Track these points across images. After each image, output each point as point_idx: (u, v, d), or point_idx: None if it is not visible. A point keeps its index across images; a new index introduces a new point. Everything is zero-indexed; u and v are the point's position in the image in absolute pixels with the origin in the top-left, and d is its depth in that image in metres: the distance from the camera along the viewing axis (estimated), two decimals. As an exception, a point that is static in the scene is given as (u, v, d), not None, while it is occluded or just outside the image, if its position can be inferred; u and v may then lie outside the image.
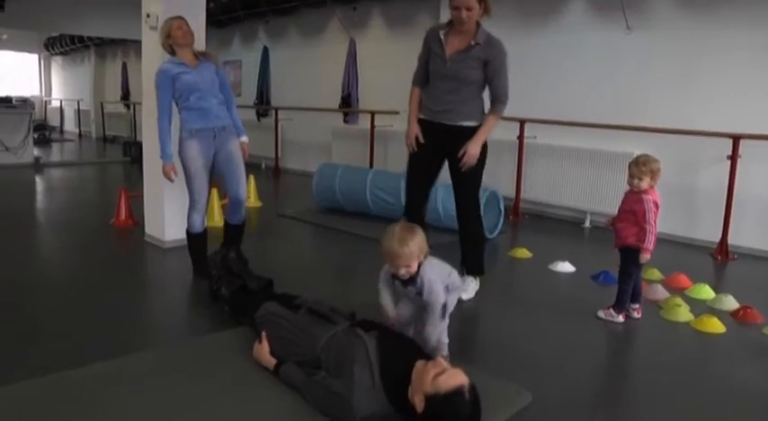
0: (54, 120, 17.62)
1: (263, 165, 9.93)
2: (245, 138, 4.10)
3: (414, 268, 2.56)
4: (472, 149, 3.54)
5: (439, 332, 2.70)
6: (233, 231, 4.18)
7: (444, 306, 2.68)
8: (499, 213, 5.37)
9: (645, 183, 3.35)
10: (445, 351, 2.74)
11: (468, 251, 3.85)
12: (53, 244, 5.19)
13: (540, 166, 6.34)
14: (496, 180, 6.41)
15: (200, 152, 3.83)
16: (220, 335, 3.07)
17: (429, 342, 2.66)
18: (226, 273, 3.72)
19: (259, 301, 3.00)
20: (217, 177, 4.08)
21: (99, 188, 8.70)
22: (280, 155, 9.65)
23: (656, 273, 4.33)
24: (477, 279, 3.87)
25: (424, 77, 3.72)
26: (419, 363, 2.19)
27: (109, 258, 4.65)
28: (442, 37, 3.59)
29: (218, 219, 5.54)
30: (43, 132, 13.65)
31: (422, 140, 3.70)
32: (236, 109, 4.10)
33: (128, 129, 14.01)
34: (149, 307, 3.70)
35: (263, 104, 10.26)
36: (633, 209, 3.37)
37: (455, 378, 2.08)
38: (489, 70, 3.59)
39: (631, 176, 3.38)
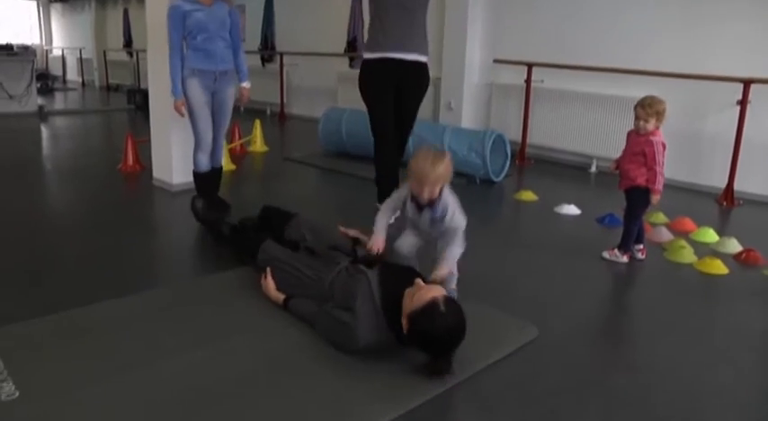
0: (56, 70, 17.46)
1: (269, 111, 9.88)
2: (246, 84, 4.08)
3: (436, 193, 2.58)
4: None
5: (456, 258, 2.70)
6: (213, 178, 4.19)
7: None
8: (506, 157, 5.38)
9: (651, 125, 3.33)
10: (453, 283, 2.80)
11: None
12: (62, 190, 5.22)
13: (546, 111, 6.29)
14: (503, 124, 6.41)
15: (201, 90, 3.83)
16: (227, 274, 3.13)
17: (447, 266, 2.66)
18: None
19: (257, 241, 3.02)
20: None
21: (104, 135, 8.69)
22: (285, 100, 9.60)
23: (660, 217, 4.35)
24: None
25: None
26: (407, 290, 2.27)
27: (118, 202, 4.71)
28: None
29: (225, 163, 5.57)
30: (46, 81, 13.56)
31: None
32: (243, 54, 4.06)
33: (131, 77, 13.90)
34: (158, 248, 3.75)
35: (267, 50, 10.14)
36: (642, 150, 3.37)
37: (429, 292, 2.18)
38: None
39: (637, 118, 3.37)
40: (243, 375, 2.22)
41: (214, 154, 4.10)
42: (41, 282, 3.08)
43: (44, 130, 8.45)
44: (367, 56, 3.98)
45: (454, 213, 2.63)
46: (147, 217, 4.22)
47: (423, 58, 3.98)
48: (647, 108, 3.32)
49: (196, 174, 4.06)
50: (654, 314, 2.89)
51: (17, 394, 2.10)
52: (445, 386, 2.18)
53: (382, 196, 4.15)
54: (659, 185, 3.35)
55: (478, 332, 2.57)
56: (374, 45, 3.94)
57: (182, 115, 3.87)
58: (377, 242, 2.76)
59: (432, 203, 2.62)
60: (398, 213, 2.91)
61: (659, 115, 3.32)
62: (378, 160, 4.14)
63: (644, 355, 2.51)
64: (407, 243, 2.84)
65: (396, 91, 3.99)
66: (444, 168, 2.55)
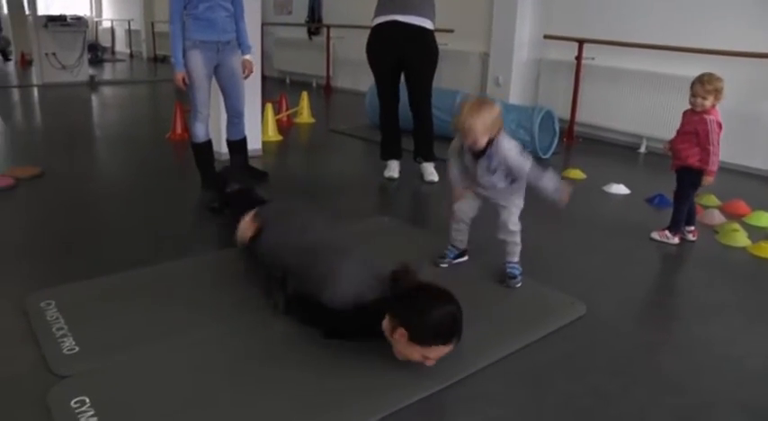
0: (105, 41, 17.72)
1: (314, 84, 9.89)
2: (249, 57, 4.05)
3: (481, 141, 2.55)
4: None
5: (550, 179, 2.64)
6: (236, 148, 4.25)
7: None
8: (554, 134, 5.31)
9: (708, 103, 3.24)
10: (516, 256, 2.81)
11: (424, 142, 4.47)
12: (113, 156, 5.35)
13: (597, 89, 6.16)
14: (552, 101, 6.30)
15: (203, 63, 3.80)
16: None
17: (548, 190, 2.63)
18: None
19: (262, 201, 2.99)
20: (220, 90, 4.08)
21: (152, 105, 8.83)
22: (331, 73, 9.60)
23: (712, 199, 4.24)
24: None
25: None
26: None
27: (167, 169, 4.81)
28: None
29: (272, 134, 5.67)
30: (95, 52, 13.77)
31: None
32: (245, 23, 3.99)
33: (178, 49, 14.01)
34: (206, 214, 3.82)
35: (314, 22, 10.13)
36: (696, 129, 3.28)
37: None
38: None
39: (694, 96, 3.27)
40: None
41: (237, 125, 4.14)
42: (97, 244, 3.17)
43: (95, 100, 8.63)
44: (373, 21, 4.19)
45: (509, 157, 2.58)
46: (196, 184, 4.27)
47: (427, 25, 4.14)
48: (706, 85, 3.22)
49: (193, 145, 4.08)
50: (705, 296, 2.84)
51: (77, 349, 2.17)
52: (490, 360, 2.18)
53: (382, 154, 4.63)
54: (713, 166, 3.25)
55: (527, 306, 2.59)
56: (380, 9, 4.16)
57: (182, 87, 3.85)
58: (455, 194, 2.86)
59: (485, 152, 2.60)
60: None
61: (717, 93, 3.22)
62: (381, 123, 4.59)
63: (693, 337, 2.47)
64: (467, 206, 2.86)
65: (402, 57, 4.15)
66: (484, 117, 2.51)
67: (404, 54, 4.17)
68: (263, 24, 9.25)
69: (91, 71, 10.18)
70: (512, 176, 2.66)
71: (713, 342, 2.41)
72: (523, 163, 2.60)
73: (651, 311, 2.75)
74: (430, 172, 4.48)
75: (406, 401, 1.93)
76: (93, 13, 19.21)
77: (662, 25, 5.65)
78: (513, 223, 2.75)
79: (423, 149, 4.51)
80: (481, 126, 2.51)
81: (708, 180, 3.29)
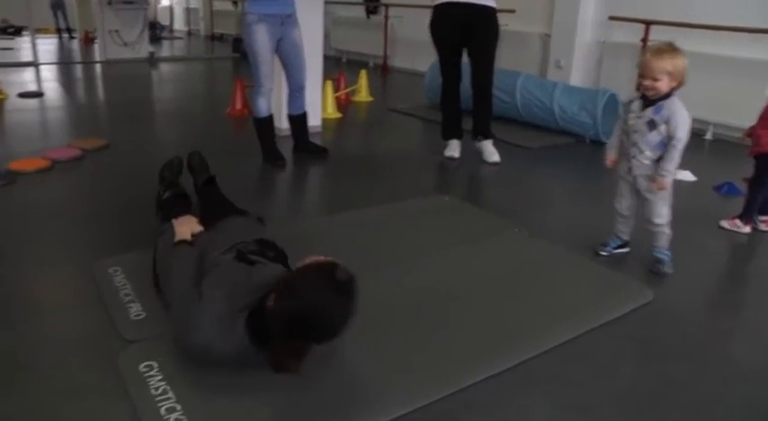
0: (164, 19, 17.99)
1: (371, 63, 9.84)
2: None
3: (660, 87, 2.49)
4: None
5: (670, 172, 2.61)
6: (296, 123, 4.30)
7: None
8: (617, 118, 5.15)
9: None
10: (665, 241, 2.77)
11: (484, 120, 4.42)
12: (175, 130, 5.46)
13: (662, 73, 5.96)
14: (614, 85, 6.11)
15: (268, 36, 3.84)
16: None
17: (663, 178, 2.60)
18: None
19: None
20: (281, 63, 4.13)
21: (210, 82, 8.94)
22: (388, 53, 9.54)
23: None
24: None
25: None
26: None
27: (227, 142, 4.90)
28: None
29: (331, 111, 5.69)
30: (154, 30, 13.99)
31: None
32: None
33: (236, 27, 14.14)
34: (266, 187, 3.85)
35: (372, 1, 10.06)
36: None
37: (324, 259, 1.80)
38: None
39: None
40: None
41: (298, 99, 4.21)
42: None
43: (154, 76, 8.79)
44: (435, 0, 4.21)
45: (677, 119, 2.51)
46: (257, 157, 4.31)
47: (490, 2, 4.12)
48: None
49: (255, 119, 4.13)
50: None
51: (144, 315, 2.22)
52: (556, 342, 2.14)
53: (443, 133, 4.58)
54: None
55: (594, 290, 2.54)
56: None
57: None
58: (609, 157, 2.83)
59: (656, 102, 2.54)
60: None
61: None
62: (442, 103, 4.55)
63: (764, 328, 2.38)
64: (625, 204, 2.82)
65: (465, 36, 4.14)
66: (669, 60, 2.45)
67: (468, 32, 4.13)
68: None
69: (150, 48, 10.35)
70: (660, 149, 2.59)
71: (789, 334, 2.32)
72: (683, 134, 2.53)
73: (720, 301, 2.66)
74: (491, 151, 4.43)
75: (471, 380, 1.92)
76: (153, -9, 19.49)
77: (735, 6, 5.42)
78: (658, 215, 2.71)
79: (482, 127, 4.45)
80: (671, 67, 2.46)
81: None
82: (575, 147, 4.98)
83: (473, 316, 2.30)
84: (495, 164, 4.37)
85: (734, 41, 5.37)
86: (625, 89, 6.02)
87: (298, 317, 1.70)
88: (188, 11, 16.61)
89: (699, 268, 2.88)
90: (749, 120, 3.39)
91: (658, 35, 5.82)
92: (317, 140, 4.61)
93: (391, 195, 3.67)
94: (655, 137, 2.58)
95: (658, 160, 2.60)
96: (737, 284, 2.86)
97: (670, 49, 2.49)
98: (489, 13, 4.15)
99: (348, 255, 2.68)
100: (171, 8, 18.11)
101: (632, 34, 6.01)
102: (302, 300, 1.70)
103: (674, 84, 2.50)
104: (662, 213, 2.70)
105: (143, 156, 4.32)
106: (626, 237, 2.93)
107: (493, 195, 3.93)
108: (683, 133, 2.52)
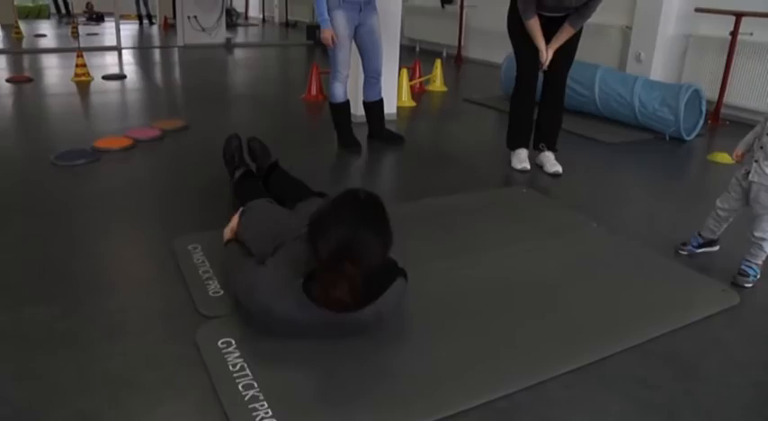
0: (239, 6, 18.31)
1: (445, 53, 9.76)
2: None
3: None
4: (551, 54, 3.76)
5: None
6: (372, 110, 4.29)
7: None
8: (699, 114, 4.96)
9: None
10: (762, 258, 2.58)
11: (553, 128, 4.04)
12: (252, 113, 5.57)
13: (753, 68, 5.68)
14: (698, 80, 5.88)
15: (346, 22, 3.85)
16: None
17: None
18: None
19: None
20: (358, 50, 4.14)
21: (285, 67, 9.06)
22: (462, 43, 9.44)
23: None
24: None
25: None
26: None
27: (303, 126, 5.02)
28: None
29: (406, 100, 5.69)
30: (230, 17, 14.26)
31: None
32: None
33: (310, 14, 14.27)
34: (341, 170, 3.87)
35: (445, -8, 9.98)
36: None
37: None
38: None
39: None
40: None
41: (374, 85, 4.20)
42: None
43: (230, 61, 8.96)
44: None
45: None
46: (333, 141, 4.34)
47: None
48: None
49: (332, 105, 4.15)
50: None
51: (222, 292, 2.26)
52: (634, 342, 2.08)
53: (511, 141, 4.11)
54: None
55: (676, 289, 2.46)
56: None
57: (331, 45, 3.89)
58: (737, 150, 2.70)
59: None
60: None
61: None
62: (512, 105, 4.07)
63: None
64: (727, 206, 2.69)
65: (546, 32, 3.76)
66: None
67: (551, 29, 3.80)
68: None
69: (227, 34, 10.56)
70: None
71: None
72: None
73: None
74: (553, 163, 3.97)
75: (549, 375, 1.88)
76: (230, -22, 19.84)
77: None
78: (760, 230, 2.53)
79: (550, 137, 4.04)
80: None
81: None
82: (654, 144, 4.80)
83: (551, 310, 2.25)
84: (556, 175, 3.93)
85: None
86: (710, 85, 5.81)
87: (331, 237, 1.78)
88: (263, -2, 16.85)
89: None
90: None
91: (750, 26, 5.57)
92: (392, 128, 4.60)
93: (466, 185, 3.63)
94: None
95: None
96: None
97: None
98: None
99: (425, 242, 2.72)
100: (246, -5, 18.42)
101: (720, 27, 5.75)
102: (333, 221, 1.82)
103: None
104: (765, 228, 2.51)
105: (221, 138, 4.38)
106: (713, 236, 2.79)
107: (571, 190, 3.83)
108: None
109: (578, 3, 3.59)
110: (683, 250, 2.82)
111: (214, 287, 2.29)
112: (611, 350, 2.02)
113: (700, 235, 2.81)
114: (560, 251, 2.77)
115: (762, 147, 2.48)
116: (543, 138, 4.04)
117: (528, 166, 3.97)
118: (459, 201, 3.33)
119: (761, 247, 2.54)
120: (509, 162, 4.07)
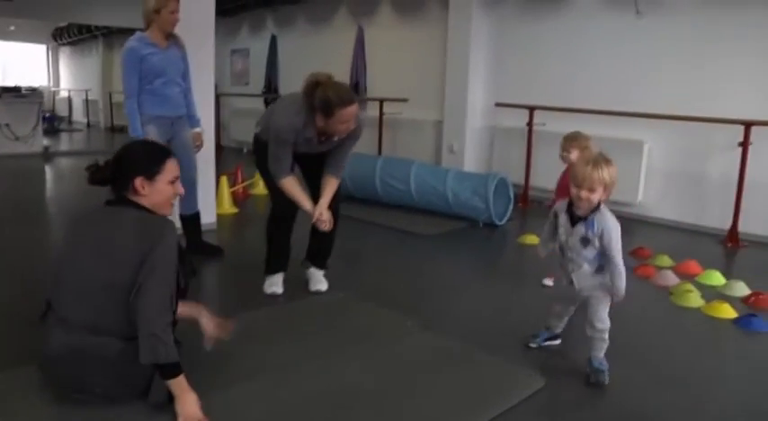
0: (62, 111, 17.62)
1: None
2: (199, 129, 4.11)
3: (595, 199, 2.45)
4: (326, 214, 3.31)
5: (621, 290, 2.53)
6: (189, 223, 4.18)
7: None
8: (508, 200, 5.37)
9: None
10: (602, 350, 2.63)
11: (328, 246, 3.65)
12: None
13: (549, 154, 6.26)
14: (506, 167, 6.41)
15: (157, 137, 3.76)
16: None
17: (619, 293, 2.53)
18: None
19: None
20: None
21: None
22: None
23: (666, 260, 4.31)
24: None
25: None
26: None
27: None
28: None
29: (227, 207, 5.61)
30: (52, 123, 13.68)
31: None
32: (193, 97, 4.05)
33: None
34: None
35: (270, 93, 10.24)
36: None
37: None
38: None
39: None
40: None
41: (189, 195, 3.95)
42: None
43: (48, 171, 8.51)
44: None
45: (611, 233, 2.47)
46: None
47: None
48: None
49: None
50: (661, 360, 2.82)
51: None
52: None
53: (273, 268, 3.64)
54: None
55: (485, 382, 2.54)
56: None
57: None
58: (540, 253, 2.82)
59: (585, 218, 2.51)
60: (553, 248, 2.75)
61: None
62: (273, 227, 3.64)
63: (642, 404, 2.44)
64: (561, 308, 2.80)
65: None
66: (606, 170, 2.42)
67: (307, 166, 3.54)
68: (219, 95, 9.35)
69: (45, 142, 10.06)
70: (599, 260, 2.55)
71: (666, 407, 2.39)
72: (618, 245, 2.50)
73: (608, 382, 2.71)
74: (319, 279, 3.64)
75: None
76: (51, 82, 19.15)
77: (608, 91, 5.85)
78: (599, 319, 2.59)
79: (325, 255, 3.68)
80: (608, 177, 2.43)
81: None
82: (469, 232, 5.10)
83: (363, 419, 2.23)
84: (318, 292, 3.60)
85: (610, 123, 5.74)
86: (516, 170, 6.33)
87: None
88: (87, 102, 16.35)
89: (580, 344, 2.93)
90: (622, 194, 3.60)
91: (542, 118, 6.20)
92: (211, 238, 4.47)
93: (290, 295, 3.55)
94: (590, 252, 2.54)
95: (598, 269, 2.58)
96: (622, 360, 2.92)
97: (604, 159, 2.47)
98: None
99: (248, 358, 2.61)
100: (69, 99, 17.80)
101: (520, 119, 6.35)
102: None
103: (605, 195, 2.48)
104: (604, 317, 2.60)
105: (27, 263, 4.11)
106: (557, 331, 2.90)
107: (389, 288, 3.80)
108: (616, 243, 2.49)
109: (332, 145, 3.32)
110: (532, 342, 2.89)
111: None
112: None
113: (547, 328, 2.90)
114: (373, 356, 2.74)
115: (572, 260, 2.60)
116: (318, 254, 3.68)
117: (279, 291, 3.55)
118: (275, 314, 3.27)
119: (602, 339, 2.61)
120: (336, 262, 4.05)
